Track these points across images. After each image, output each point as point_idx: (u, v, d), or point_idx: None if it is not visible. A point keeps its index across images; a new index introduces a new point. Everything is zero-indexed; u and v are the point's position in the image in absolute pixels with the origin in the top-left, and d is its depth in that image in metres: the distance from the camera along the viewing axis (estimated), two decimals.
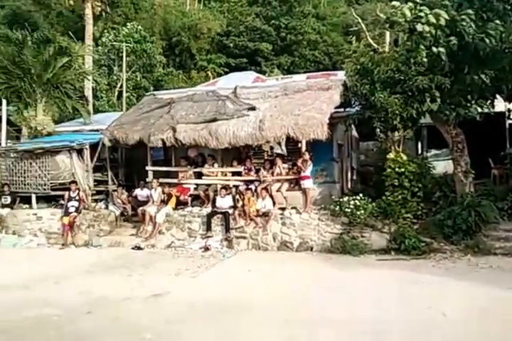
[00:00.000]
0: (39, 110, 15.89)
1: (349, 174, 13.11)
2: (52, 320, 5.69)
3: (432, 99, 9.08)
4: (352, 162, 13.78)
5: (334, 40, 35.98)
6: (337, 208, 9.84)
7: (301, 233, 9.88)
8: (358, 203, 9.68)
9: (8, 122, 15.54)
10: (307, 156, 10.46)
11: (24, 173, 12.73)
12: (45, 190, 12.48)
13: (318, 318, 5.50)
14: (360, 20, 14.78)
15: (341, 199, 10.00)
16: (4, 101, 15.21)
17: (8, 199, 12.44)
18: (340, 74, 13.13)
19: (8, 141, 15.01)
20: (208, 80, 23.28)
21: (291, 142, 11.08)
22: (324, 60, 35.16)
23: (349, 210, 9.63)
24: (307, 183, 10.46)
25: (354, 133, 14.18)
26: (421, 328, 5.06)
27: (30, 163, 12.68)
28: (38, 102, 15.87)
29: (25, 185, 12.70)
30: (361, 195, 9.95)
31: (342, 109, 11.18)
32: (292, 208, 10.44)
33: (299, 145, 10.92)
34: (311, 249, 9.64)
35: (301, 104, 11.10)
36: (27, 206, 12.63)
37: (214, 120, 11.08)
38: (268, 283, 7.25)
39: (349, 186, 12.78)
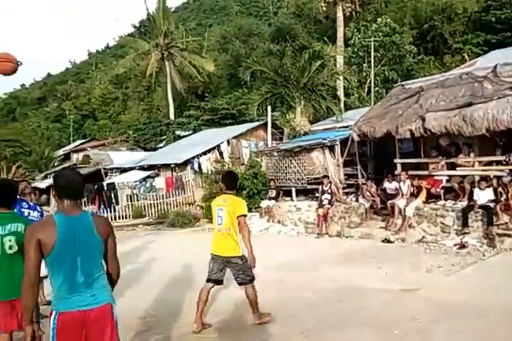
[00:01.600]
0: (297, 112, 17.66)
1: None
2: (308, 303, 6.10)
3: None
4: None
5: None
6: None
7: None
8: None
9: (273, 125, 17.83)
10: None
11: (285, 169, 14.25)
12: (302, 184, 13.69)
13: None
14: None
15: None
16: (269, 108, 17.54)
17: (274, 193, 14.04)
18: None
19: (273, 141, 17.23)
20: (464, 63, 20.99)
21: None
22: None
23: None
24: None
25: None
26: None
27: (290, 160, 14.09)
28: (296, 105, 17.66)
29: (286, 179, 14.22)
30: None
31: None
32: None
33: None
34: None
35: None
36: (288, 198, 14.10)
37: (469, 104, 9.96)
38: None
39: None
